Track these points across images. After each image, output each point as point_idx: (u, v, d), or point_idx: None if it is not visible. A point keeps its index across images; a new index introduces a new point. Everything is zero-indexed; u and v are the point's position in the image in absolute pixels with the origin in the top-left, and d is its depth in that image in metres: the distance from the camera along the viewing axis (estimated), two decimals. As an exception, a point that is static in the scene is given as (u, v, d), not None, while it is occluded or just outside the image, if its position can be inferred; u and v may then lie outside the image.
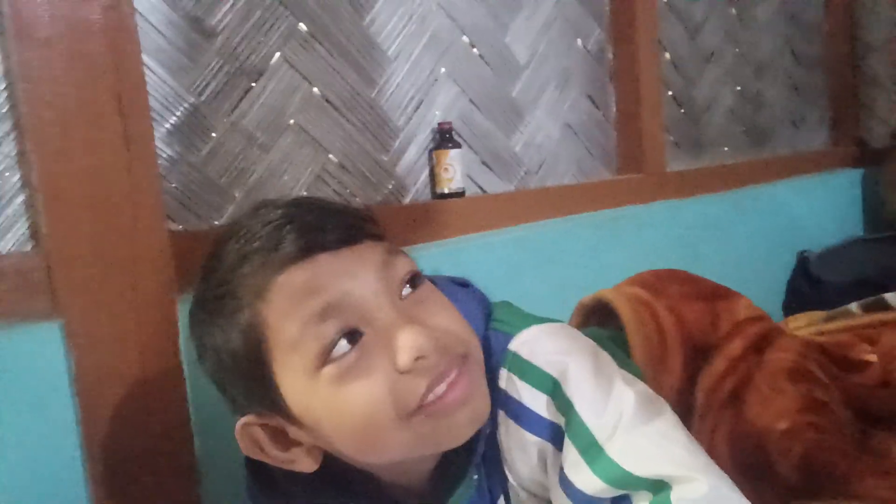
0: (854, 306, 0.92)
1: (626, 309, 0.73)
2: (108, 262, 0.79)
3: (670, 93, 1.68)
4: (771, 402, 0.64)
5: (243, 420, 0.53)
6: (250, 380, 0.51)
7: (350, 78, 1.10)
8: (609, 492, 0.49)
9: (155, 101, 0.90)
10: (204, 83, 0.95)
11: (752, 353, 0.70)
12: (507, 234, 1.26)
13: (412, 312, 0.50)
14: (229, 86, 0.97)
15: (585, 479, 0.49)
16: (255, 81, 1.00)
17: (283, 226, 0.49)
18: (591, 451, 0.49)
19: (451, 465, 0.53)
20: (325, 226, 0.50)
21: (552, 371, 0.52)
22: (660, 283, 0.79)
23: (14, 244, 0.79)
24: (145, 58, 0.87)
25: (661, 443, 0.49)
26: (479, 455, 0.53)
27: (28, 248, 0.80)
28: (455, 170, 1.19)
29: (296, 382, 0.49)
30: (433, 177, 1.20)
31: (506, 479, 0.55)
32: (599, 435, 0.49)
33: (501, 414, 0.53)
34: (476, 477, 0.54)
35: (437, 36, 1.22)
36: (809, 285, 1.79)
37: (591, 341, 0.56)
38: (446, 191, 1.19)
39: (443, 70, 1.23)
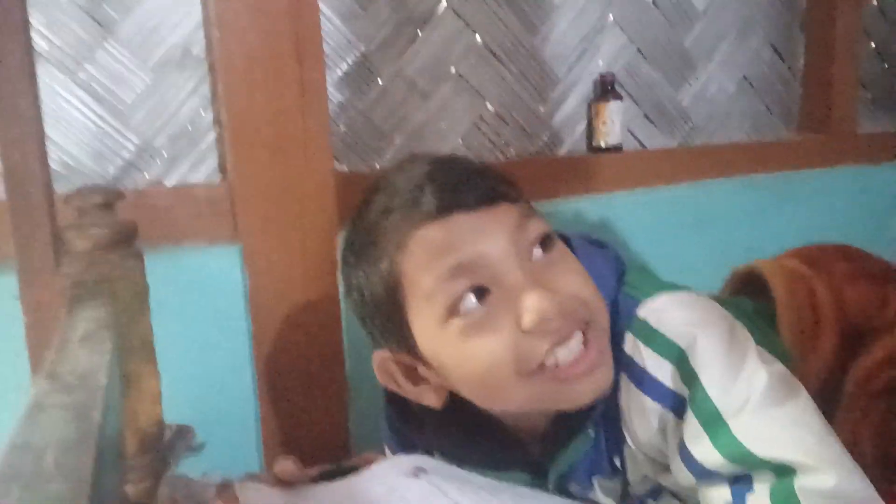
0: None
1: (779, 282, 0.68)
2: (282, 196, 0.87)
3: (872, 44, 1.49)
4: (933, 401, 0.59)
5: (380, 353, 0.58)
6: (387, 321, 0.55)
7: (513, 25, 1.09)
8: (729, 467, 0.48)
9: (329, 48, 0.96)
10: (374, 31, 0.99)
11: (921, 346, 0.64)
12: (664, 192, 1.21)
13: (540, 275, 0.51)
14: (396, 33, 1.01)
15: (705, 452, 0.49)
16: (421, 29, 1.03)
17: (424, 184, 0.52)
18: (714, 425, 0.48)
19: (570, 418, 0.55)
20: (464, 186, 0.52)
21: (680, 341, 0.51)
22: (824, 257, 0.73)
23: (206, 175, 0.90)
24: (322, 6, 0.93)
25: (790, 427, 0.47)
26: (598, 414, 0.54)
27: (216, 179, 0.90)
28: (614, 123, 1.16)
29: (427, 329, 0.53)
30: (590, 129, 1.18)
31: (623, 439, 0.56)
32: (724, 410, 0.48)
33: (624, 377, 0.54)
34: (593, 435, 0.56)
35: (608, -19, 1.17)
36: None
37: (727, 314, 0.54)
38: (603, 144, 1.16)
39: (610, 17, 1.19)
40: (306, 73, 0.87)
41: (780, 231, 1.25)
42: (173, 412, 0.76)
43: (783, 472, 0.47)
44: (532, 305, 0.49)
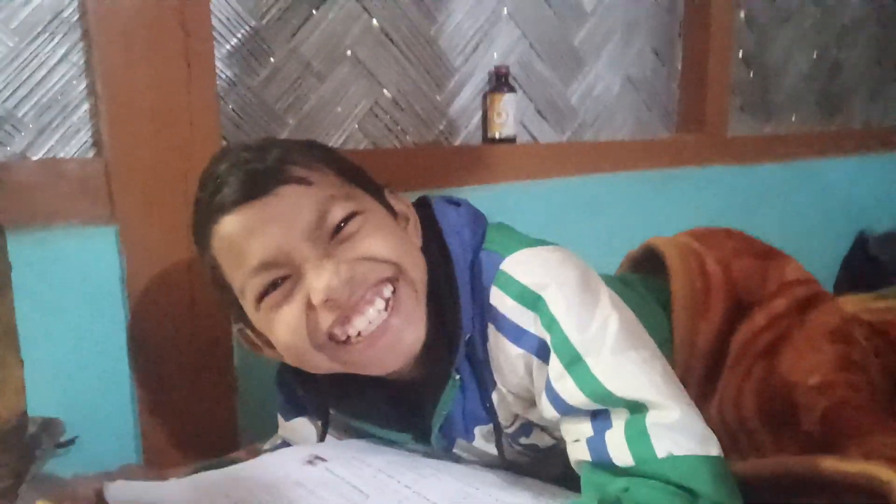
0: (906, 287, 0.88)
1: (673, 254, 0.73)
2: (164, 174, 0.82)
3: (741, 52, 1.62)
4: (806, 358, 0.64)
5: (235, 327, 0.64)
6: (228, 304, 0.61)
7: (411, 13, 1.09)
8: (590, 405, 0.52)
9: (217, 21, 0.91)
10: (266, 6, 0.95)
11: (796, 313, 0.69)
12: (556, 184, 1.25)
13: (335, 249, 0.55)
14: (291, 11, 0.97)
15: (569, 392, 0.53)
16: (317, 9, 1.00)
17: (222, 176, 0.56)
18: (576, 365, 0.53)
19: (434, 365, 0.59)
20: (259, 177, 0.55)
21: (538, 290, 0.55)
22: (713, 236, 0.79)
23: (77, 150, 0.83)
24: (210, -24, 0.88)
25: (642, 369, 0.52)
26: (459, 360, 0.58)
27: (90, 155, 0.83)
28: (508, 115, 1.18)
29: (250, 313, 0.58)
30: (485, 120, 1.19)
31: (493, 383, 0.60)
32: (583, 350, 0.52)
33: (491, 328, 0.58)
34: (458, 377, 0.59)
35: (502, -25, 1.19)
36: (865, 265, 1.73)
37: (582, 263, 0.59)
38: (497, 135, 1.18)
39: (505, 11, 1.21)
40: (192, 43, 0.82)
41: (663, 223, 1.31)
42: (42, 405, 0.69)
43: (636, 409, 0.51)
44: (316, 285, 0.53)
